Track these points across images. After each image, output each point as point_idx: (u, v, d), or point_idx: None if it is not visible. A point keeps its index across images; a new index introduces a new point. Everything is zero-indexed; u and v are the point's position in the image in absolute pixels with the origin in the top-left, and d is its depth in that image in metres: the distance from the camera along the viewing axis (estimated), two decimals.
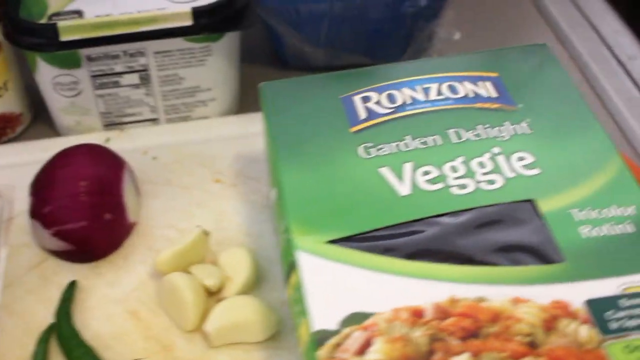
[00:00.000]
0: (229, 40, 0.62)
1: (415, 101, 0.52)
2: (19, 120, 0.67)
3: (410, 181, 0.48)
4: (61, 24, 0.58)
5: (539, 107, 0.52)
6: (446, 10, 0.67)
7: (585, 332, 0.42)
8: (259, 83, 0.69)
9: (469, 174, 0.48)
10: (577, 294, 0.43)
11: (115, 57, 0.61)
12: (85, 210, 0.54)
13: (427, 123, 0.51)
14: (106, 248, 0.56)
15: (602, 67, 0.71)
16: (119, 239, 0.57)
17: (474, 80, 0.54)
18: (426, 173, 0.48)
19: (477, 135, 0.50)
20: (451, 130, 0.50)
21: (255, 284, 0.55)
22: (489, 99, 0.53)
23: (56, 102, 0.64)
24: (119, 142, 0.65)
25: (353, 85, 0.54)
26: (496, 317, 0.42)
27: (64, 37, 0.58)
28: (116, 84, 0.62)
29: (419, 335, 0.41)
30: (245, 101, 0.69)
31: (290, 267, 0.46)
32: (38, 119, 0.69)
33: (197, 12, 0.59)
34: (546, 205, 0.46)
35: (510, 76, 0.54)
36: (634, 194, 0.47)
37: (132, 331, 0.53)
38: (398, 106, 0.52)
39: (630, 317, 0.42)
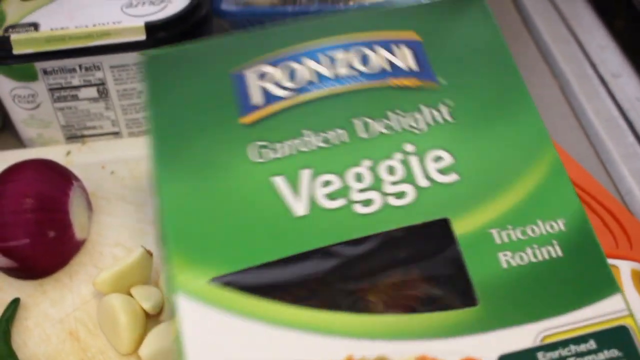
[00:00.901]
0: None
1: (320, 78, 0.44)
2: None
3: (307, 196, 0.40)
4: (14, 37, 0.57)
5: (464, 83, 0.44)
6: None
7: None
8: None
9: (376, 184, 0.41)
10: (491, 347, 0.37)
11: (72, 70, 0.60)
12: (28, 228, 0.54)
13: (332, 110, 0.43)
14: (50, 266, 0.56)
15: (583, 86, 0.69)
16: (64, 256, 0.56)
17: (389, 45, 0.45)
18: (326, 184, 0.41)
19: (388, 126, 0.42)
20: (358, 121, 0.43)
21: None
22: (406, 73, 0.44)
23: (17, 114, 0.63)
24: (79, 156, 0.64)
25: (245, 55, 0.45)
26: None
27: (17, 50, 0.58)
28: (75, 98, 0.62)
29: None
30: None
31: (172, 308, 0.39)
32: (7, 127, 0.69)
33: (151, 27, 0.58)
34: (463, 225, 0.40)
35: (433, 37, 0.46)
36: (565, 201, 0.40)
37: (69, 352, 0.52)
38: (300, 86, 0.44)
39: None
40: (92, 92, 0.62)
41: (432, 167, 0.42)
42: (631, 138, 0.64)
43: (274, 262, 0.39)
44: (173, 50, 0.46)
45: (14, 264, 0.54)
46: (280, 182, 0.41)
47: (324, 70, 0.45)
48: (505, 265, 0.39)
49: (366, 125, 0.43)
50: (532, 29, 0.76)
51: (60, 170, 0.57)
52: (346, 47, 0.45)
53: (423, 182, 0.41)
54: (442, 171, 0.42)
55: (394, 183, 0.41)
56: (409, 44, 0.46)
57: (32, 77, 0.60)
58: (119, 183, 0.62)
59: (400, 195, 0.41)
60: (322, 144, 0.42)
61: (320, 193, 0.41)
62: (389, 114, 0.43)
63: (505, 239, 0.39)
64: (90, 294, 0.55)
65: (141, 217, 0.59)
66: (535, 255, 0.39)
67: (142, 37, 0.58)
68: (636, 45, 0.75)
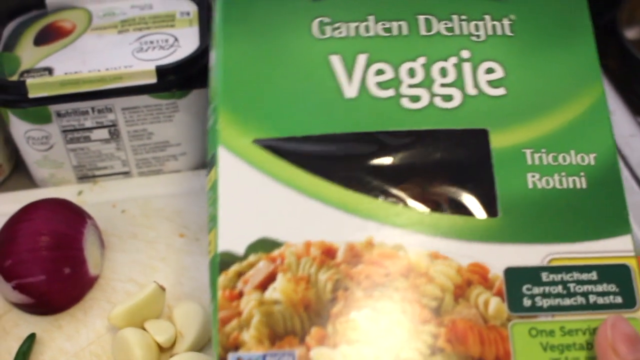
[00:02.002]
0: (196, 97, 0.63)
1: None
2: None
3: (359, 80, 0.42)
4: (30, 81, 0.60)
5: (531, 2, 0.45)
6: None
7: (494, 306, 0.39)
8: None
9: (426, 82, 0.42)
10: (500, 258, 0.39)
11: (85, 113, 0.62)
12: (44, 265, 0.55)
13: (399, 2, 0.44)
14: (66, 302, 0.57)
15: None
16: (79, 292, 0.58)
17: None
18: (379, 72, 0.42)
19: (449, 29, 0.44)
20: (421, 17, 0.44)
21: (208, 341, 0.55)
22: None
23: (30, 155, 0.65)
24: (90, 195, 0.66)
25: None
26: (409, 271, 0.39)
27: (33, 94, 0.60)
28: (87, 139, 0.64)
29: (325, 278, 0.38)
30: None
31: (212, 160, 0.42)
32: (19, 168, 0.71)
33: (162, 70, 0.60)
34: (500, 140, 0.42)
35: None
36: (601, 137, 0.42)
37: None
38: None
39: (545, 296, 0.39)
40: (104, 133, 0.64)
41: (482, 78, 0.43)
42: (626, 172, 0.66)
43: (315, 137, 0.41)
44: None
45: (30, 300, 0.56)
46: (336, 61, 0.43)
47: None
48: (531, 186, 0.41)
49: (428, 22, 0.44)
50: None
51: (74, 208, 0.59)
52: None
53: (471, 90, 0.43)
54: (492, 83, 0.43)
55: (444, 85, 0.43)
56: None
57: (46, 119, 0.62)
58: (130, 221, 0.63)
59: (447, 98, 0.42)
60: (382, 33, 0.43)
61: (372, 80, 0.42)
62: (453, 16, 0.44)
63: (537, 162, 0.42)
64: (105, 329, 0.57)
65: (152, 254, 0.61)
66: (560, 182, 0.41)
67: (153, 80, 0.60)
68: (627, 83, 0.77)
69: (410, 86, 0.42)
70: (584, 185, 0.41)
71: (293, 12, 0.43)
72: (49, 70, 0.61)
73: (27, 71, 0.62)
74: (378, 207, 0.40)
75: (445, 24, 0.44)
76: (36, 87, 0.60)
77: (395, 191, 0.41)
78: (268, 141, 0.41)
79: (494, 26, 0.44)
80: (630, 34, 0.85)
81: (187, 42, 0.63)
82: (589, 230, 0.41)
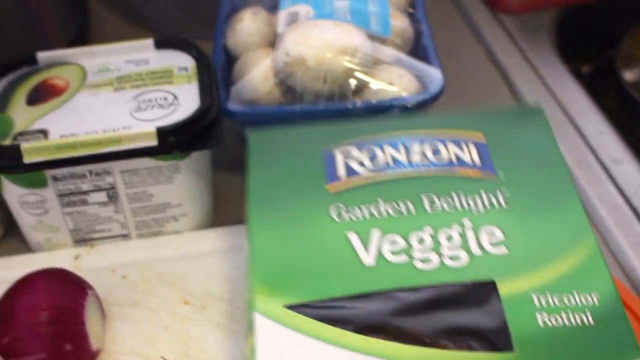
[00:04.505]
0: (198, 157, 0.61)
1: (396, 162, 0.53)
2: None
3: (375, 251, 0.48)
4: (24, 145, 0.57)
5: (520, 178, 0.51)
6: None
7: None
8: (233, 193, 0.68)
9: (435, 247, 0.48)
10: None
11: (82, 176, 0.60)
12: (45, 341, 0.53)
13: (403, 187, 0.51)
14: None
15: (585, 172, 0.70)
16: None
17: (459, 142, 0.54)
18: (392, 243, 0.48)
19: (451, 205, 0.50)
20: (425, 197, 0.50)
21: None
22: (470, 166, 0.52)
23: (24, 219, 0.63)
24: (88, 260, 0.63)
25: (336, 138, 0.55)
26: None
27: (28, 159, 0.57)
28: (84, 202, 0.61)
29: None
30: (219, 212, 0.67)
31: (249, 327, 0.47)
32: (12, 231, 0.68)
33: (162, 132, 0.58)
34: (507, 288, 0.46)
35: (497, 139, 0.54)
36: (601, 280, 0.46)
37: None
38: (378, 167, 0.53)
39: None
40: (101, 196, 0.61)
41: (485, 239, 0.48)
42: (638, 227, 0.65)
43: (341, 298, 0.46)
44: (275, 131, 0.56)
45: None
46: (353, 237, 0.49)
47: (400, 157, 0.53)
48: (541, 324, 0.44)
49: (432, 201, 0.50)
50: None
51: (73, 279, 0.57)
52: (421, 140, 0.54)
53: (476, 251, 0.48)
54: (494, 244, 0.48)
55: (451, 249, 0.48)
56: (475, 143, 0.54)
57: (41, 183, 0.60)
58: (131, 287, 0.61)
59: (455, 258, 0.47)
60: (392, 212, 0.50)
61: (387, 249, 0.48)
62: (453, 194, 0.50)
63: (544, 303, 0.45)
64: None
65: (155, 323, 0.58)
66: (568, 319, 0.44)
67: (153, 142, 0.58)
68: (630, 128, 0.76)
69: (421, 251, 0.48)
70: (591, 321, 0.44)
71: (313, 200, 0.50)
72: (44, 133, 0.59)
73: (21, 134, 0.59)
74: (400, 350, 0.44)
75: (447, 200, 0.50)
76: (31, 152, 0.57)
77: (416, 335, 0.45)
78: (298, 305, 0.46)
79: (490, 199, 0.50)
80: (628, 75, 0.84)
81: (186, 100, 0.61)
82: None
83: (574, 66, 0.86)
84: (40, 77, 0.65)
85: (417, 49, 0.69)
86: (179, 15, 0.88)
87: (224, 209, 0.68)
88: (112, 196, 0.61)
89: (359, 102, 0.63)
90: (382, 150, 0.54)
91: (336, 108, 0.63)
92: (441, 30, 0.72)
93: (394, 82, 0.64)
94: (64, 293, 0.55)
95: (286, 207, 0.51)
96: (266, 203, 0.51)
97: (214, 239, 0.64)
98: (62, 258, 0.63)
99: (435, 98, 0.64)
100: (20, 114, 0.61)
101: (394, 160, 0.53)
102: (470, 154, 0.53)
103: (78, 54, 0.67)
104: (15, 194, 0.60)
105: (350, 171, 0.52)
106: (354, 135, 0.55)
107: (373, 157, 0.53)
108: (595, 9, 0.90)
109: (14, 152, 0.57)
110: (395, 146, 0.54)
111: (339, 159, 0.53)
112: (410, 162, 0.53)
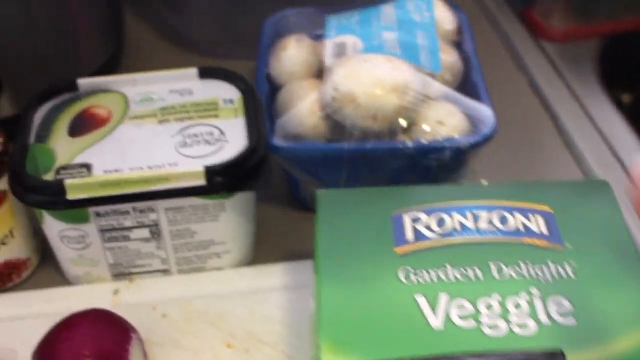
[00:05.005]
0: (244, 196, 0.60)
1: (463, 228, 0.52)
2: (25, 265, 0.64)
3: (443, 314, 0.47)
4: (68, 182, 0.56)
5: (587, 250, 0.51)
6: (472, 159, 0.64)
7: None
8: (275, 228, 0.67)
9: (503, 314, 0.47)
10: None
11: (125, 212, 0.58)
12: None
13: (471, 253, 0.51)
14: None
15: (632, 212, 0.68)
16: None
17: (526, 212, 0.54)
18: (460, 307, 0.48)
19: (519, 273, 0.49)
20: (493, 264, 0.50)
21: None
22: (538, 235, 0.52)
23: (64, 253, 0.61)
24: (128, 295, 0.62)
25: (405, 203, 0.54)
26: None
27: (71, 196, 0.56)
28: (126, 238, 0.60)
29: None
30: (260, 248, 0.66)
31: None
32: (46, 260, 0.66)
33: (210, 172, 0.56)
34: (576, 359, 0.45)
35: (564, 212, 0.54)
36: None
37: None
38: (446, 232, 0.52)
39: None
40: (144, 232, 0.60)
41: (553, 309, 0.47)
42: None
43: (408, 358, 0.45)
44: (344, 191, 0.56)
45: None
46: (421, 299, 0.48)
47: (467, 223, 0.53)
48: None
49: (499, 268, 0.50)
50: (577, 157, 0.76)
51: (117, 322, 0.55)
52: (489, 209, 0.54)
53: (544, 319, 0.47)
54: (562, 314, 0.47)
55: (519, 316, 0.47)
56: (543, 214, 0.53)
57: (83, 219, 0.58)
58: (172, 326, 0.59)
59: (523, 326, 0.46)
60: (460, 277, 0.49)
61: (454, 313, 0.47)
62: (520, 262, 0.50)
63: None
64: None
65: None
66: None
67: (201, 182, 0.56)
68: None
69: (489, 317, 0.47)
70: None
71: (381, 262, 0.50)
72: (87, 167, 0.57)
73: (64, 167, 0.58)
74: None
75: (514, 268, 0.49)
76: (75, 189, 0.56)
77: None
78: None
79: (557, 269, 0.49)
80: None
81: (233, 136, 0.60)
82: None
83: (615, 95, 0.84)
84: (81, 105, 0.63)
85: (466, 84, 0.68)
86: (216, 33, 0.87)
87: (264, 243, 0.66)
88: (155, 233, 0.60)
89: (409, 142, 0.61)
90: (450, 216, 0.53)
91: (385, 147, 0.62)
92: (483, 58, 0.70)
93: (444, 120, 0.63)
94: (109, 338, 0.53)
95: (354, 267, 0.50)
96: (334, 261, 0.51)
97: (256, 277, 0.63)
98: (101, 292, 0.62)
99: (487, 139, 0.62)
100: (62, 146, 0.59)
101: (462, 225, 0.52)
102: (538, 224, 0.53)
103: (119, 82, 0.65)
104: (55, 228, 0.59)
105: (418, 235, 0.52)
106: (421, 202, 0.54)
107: (441, 223, 0.53)
108: (638, 38, 0.88)
109: (58, 188, 0.56)
110: (462, 213, 0.53)
111: (407, 222, 0.53)
112: (477, 229, 0.52)
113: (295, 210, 0.70)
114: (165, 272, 0.63)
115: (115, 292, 0.62)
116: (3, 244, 0.62)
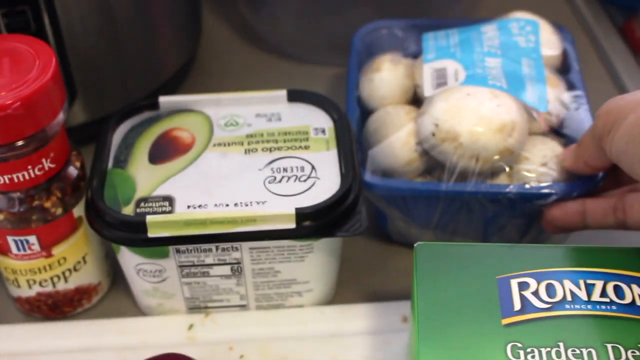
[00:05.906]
0: (333, 238, 0.56)
1: (575, 299, 0.48)
2: (96, 290, 0.62)
3: None
4: (150, 219, 0.52)
5: None
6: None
7: None
8: (359, 263, 0.63)
9: None
10: None
11: (207, 250, 0.55)
12: None
13: (585, 330, 0.46)
14: None
15: None
16: None
17: None
18: None
19: (637, 357, 0.45)
20: (610, 345, 0.45)
21: None
22: None
23: (138, 285, 0.58)
24: (203, 331, 0.59)
25: (512, 265, 0.50)
26: None
27: (153, 234, 0.52)
28: (205, 274, 0.57)
29: None
30: (343, 285, 0.62)
31: None
32: (117, 283, 0.63)
33: (302, 215, 0.52)
34: None
35: None
36: None
37: None
38: (556, 302, 0.48)
39: None
40: (225, 270, 0.56)
41: None
42: None
43: None
44: (444, 245, 0.52)
45: None
46: None
47: (579, 293, 0.48)
48: None
49: (617, 350, 0.45)
50: None
51: None
52: (604, 277, 0.49)
53: None
54: None
55: None
56: None
57: (163, 255, 0.55)
58: None
59: None
60: (572, 358, 0.45)
61: None
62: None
63: None
64: None
65: None
66: None
67: (291, 225, 0.53)
68: None
69: None
70: None
71: (487, 335, 0.46)
72: (170, 201, 0.54)
73: (145, 199, 0.54)
74: None
75: (633, 352, 0.45)
76: (157, 226, 0.52)
77: None
78: None
79: None
80: None
81: (325, 173, 0.56)
82: None
83: None
84: (162, 127, 0.59)
85: (571, 118, 0.63)
86: (298, 35, 0.82)
87: (347, 280, 0.63)
88: (236, 270, 0.56)
89: (512, 187, 0.57)
90: (561, 284, 0.48)
91: (487, 191, 0.57)
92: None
93: (548, 163, 0.58)
94: None
95: (457, 335, 0.46)
96: (436, 325, 0.47)
97: (338, 319, 0.59)
98: (175, 325, 0.59)
99: (597, 185, 0.58)
100: (143, 174, 0.56)
101: (573, 296, 0.48)
102: None
103: (203, 102, 0.61)
104: (132, 262, 0.56)
105: (526, 304, 0.47)
106: (529, 264, 0.49)
107: (551, 292, 0.48)
108: None
109: (139, 225, 0.52)
110: (575, 281, 0.48)
111: (514, 289, 0.48)
112: (591, 301, 0.47)
113: (380, 244, 0.66)
114: (242, 307, 0.60)
115: (190, 327, 0.59)
116: (75, 270, 0.59)
